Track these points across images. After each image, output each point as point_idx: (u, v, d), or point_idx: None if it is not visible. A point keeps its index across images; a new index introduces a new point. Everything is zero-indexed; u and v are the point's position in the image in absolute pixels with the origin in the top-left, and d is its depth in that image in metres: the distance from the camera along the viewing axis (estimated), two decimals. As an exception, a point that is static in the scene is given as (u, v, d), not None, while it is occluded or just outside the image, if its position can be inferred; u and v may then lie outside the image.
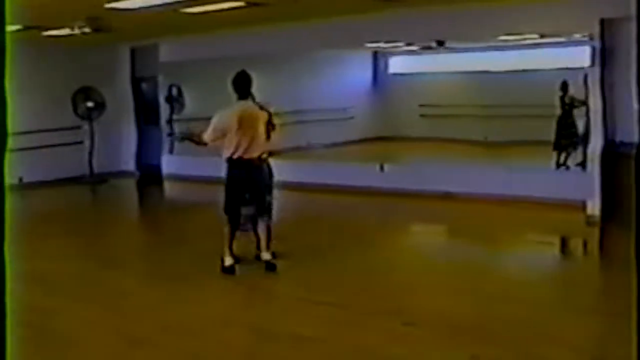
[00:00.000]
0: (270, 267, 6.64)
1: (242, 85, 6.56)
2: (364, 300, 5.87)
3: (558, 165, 10.98)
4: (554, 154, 11.09)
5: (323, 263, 6.96)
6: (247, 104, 6.58)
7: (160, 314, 5.67)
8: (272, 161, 6.91)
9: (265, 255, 6.68)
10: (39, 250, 7.85)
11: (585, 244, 8.29)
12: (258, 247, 6.79)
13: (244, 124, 6.42)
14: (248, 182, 6.54)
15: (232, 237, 6.64)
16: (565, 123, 11.33)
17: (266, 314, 5.64)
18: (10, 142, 1.36)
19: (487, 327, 5.09)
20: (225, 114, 6.54)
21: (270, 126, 6.69)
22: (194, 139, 6.95)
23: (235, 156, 6.44)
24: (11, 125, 1.36)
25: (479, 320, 5.23)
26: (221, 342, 4.97)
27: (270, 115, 6.71)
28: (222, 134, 6.51)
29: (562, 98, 11.37)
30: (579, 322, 5.24)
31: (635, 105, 5.04)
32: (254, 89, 6.61)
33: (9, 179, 1.25)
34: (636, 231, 1.30)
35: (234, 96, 6.58)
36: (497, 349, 4.66)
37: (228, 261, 6.59)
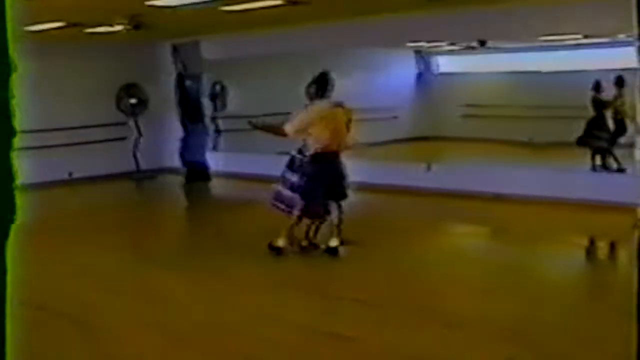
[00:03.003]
0: (332, 251, 7.02)
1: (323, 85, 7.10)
2: (405, 300, 5.86)
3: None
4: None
5: (367, 262, 6.96)
6: (328, 102, 7.08)
7: (203, 311, 5.72)
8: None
9: (334, 242, 7.05)
10: (88, 246, 8.02)
11: (629, 249, 8.07)
12: (314, 234, 7.26)
13: (329, 120, 6.96)
14: (332, 174, 7.03)
15: (298, 223, 7.10)
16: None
17: (308, 313, 5.63)
18: (18, 141, 1.35)
19: (526, 329, 5.03)
20: (311, 110, 7.04)
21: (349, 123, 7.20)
22: (270, 129, 7.52)
23: (321, 150, 6.95)
24: (20, 124, 1.35)
25: (518, 323, 5.18)
26: (262, 341, 4.98)
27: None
28: (305, 128, 6.98)
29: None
30: (619, 328, 5.11)
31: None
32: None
33: (21, 178, 1.25)
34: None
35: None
36: (533, 351, 4.61)
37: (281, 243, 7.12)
